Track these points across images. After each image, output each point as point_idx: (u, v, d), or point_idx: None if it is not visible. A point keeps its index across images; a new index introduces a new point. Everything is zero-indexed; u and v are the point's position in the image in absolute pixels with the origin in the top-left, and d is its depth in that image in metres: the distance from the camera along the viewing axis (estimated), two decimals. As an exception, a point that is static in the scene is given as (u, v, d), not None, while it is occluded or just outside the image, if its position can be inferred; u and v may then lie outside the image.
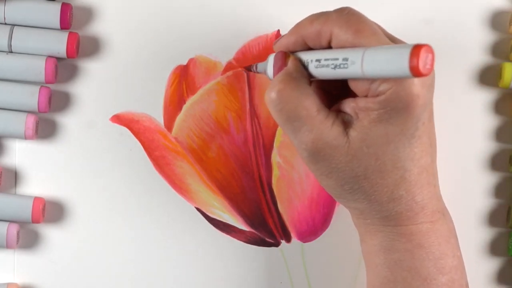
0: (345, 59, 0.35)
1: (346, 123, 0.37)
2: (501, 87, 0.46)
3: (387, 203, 0.36)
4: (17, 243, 0.45)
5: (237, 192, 0.46)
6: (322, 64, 0.36)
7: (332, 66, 0.35)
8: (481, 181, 0.46)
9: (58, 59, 0.45)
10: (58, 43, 0.44)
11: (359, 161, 0.36)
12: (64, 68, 0.46)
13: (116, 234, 0.46)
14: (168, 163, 0.46)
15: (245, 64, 0.46)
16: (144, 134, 0.46)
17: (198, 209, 0.46)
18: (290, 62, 0.38)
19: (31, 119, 0.44)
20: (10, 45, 0.44)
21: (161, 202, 0.46)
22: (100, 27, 0.46)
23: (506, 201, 0.46)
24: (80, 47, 0.46)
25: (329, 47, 0.37)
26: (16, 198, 0.45)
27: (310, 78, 0.37)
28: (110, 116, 0.46)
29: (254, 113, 0.46)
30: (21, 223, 0.45)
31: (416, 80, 0.34)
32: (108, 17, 0.46)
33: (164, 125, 0.46)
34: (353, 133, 0.36)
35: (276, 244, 0.46)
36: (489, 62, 0.47)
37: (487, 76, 0.47)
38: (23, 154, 0.46)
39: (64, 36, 0.44)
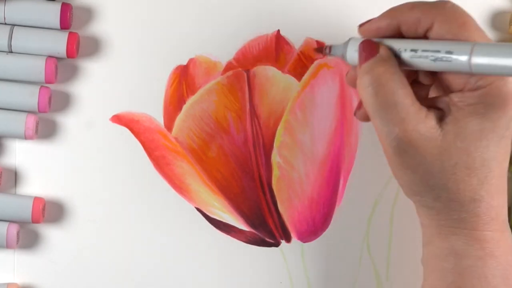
0: (449, 52, 0.34)
1: (438, 118, 0.36)
2: None
3: (469, 203, 0.36)
4: (17, 243, 0.45)
5: (237, 192, 0.46)
6: (420, 55, 0.36)
7: (432, 58, 0.35)
8: None
9: (58, 59, 0.45)
10: (58, 43, 0.44)
11: (450, 155, 0.35)
12: (64, 68, 0.46)
13: (116, 234, 0.46)
14: (168, 163, 0.46)
15: (245, 64, 0.46)
16: (144, 134, 0.46)
17: (198, 209, 0.46)
18: (383, 49, 0.37)
19: (31, 119, 0.44)
20: (10, 45, 0.44)
21: (161, 202, 0.46)
22: (100, 27, 0.46)
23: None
24: (80, 47, 0.45)
25: (424, 37, 0.37)
26: (16, 198, 0.45)
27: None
28: (110, 116, 0.46)
29: (254, 113, 0.45)
30: (21, 223, 0.45)
31: None
32: (108, 17, 0.46)
33: (164, 125, 0.46)
34: (447, 126, 0.35)
35: (276, 244, 0.46)
36: None
37: None
38: (23, 154, 0.46)
39: (64, 36, 0.44)
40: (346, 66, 0.45)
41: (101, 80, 0.46)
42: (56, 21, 0.44)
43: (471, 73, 0.34)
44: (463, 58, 0.33)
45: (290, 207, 0.46)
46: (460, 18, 0.35)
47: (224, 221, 0.46)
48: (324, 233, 0.46)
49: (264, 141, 0.45)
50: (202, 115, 0.45)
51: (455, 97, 0.36)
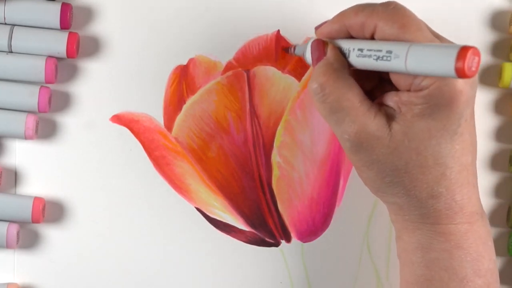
0: (389, 52, 0.35)
1: (389, 116, 0.37)
2: (501, 87, 0.46)
3: (427, 200, 0.36)
4: (17, 243, 0.45)
5: (237, 192, 0.46)
6: (364, 54, 0.36)
7: (375, 57, 0.35)
8: (481, 181, 0.45)
9: (58, 59, 0.45)
10: (58, 43, 0.44)
11: (400, 154, 0.36)
12: (64, 68, 0.45)
13: (116, 234, 0.46)
14: (168, 163, 0.46)
15: (245, 64, 0.46)
16: (144, 134, 0.46)
17: (198, 209, 0.46)
18: (330, 51, 0.38)
19: (31, 119, 0.44)
20: (10, 45, 0.44)
21: (161, 202, 0.46)
22: (100, 27, 0.46)
23: (506, 201, 0.46)
24: (80, 47, 0.45)
25: (371, 39, 0.37)
26: (16, 198, 0.45)
27: (349, 68, 0.37)
28: (110, 116, 0.46)
29: (254, 113, 0.45)
30: (21, 223, 0.45)
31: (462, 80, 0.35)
32: (108, 17, 0.46)
33: (164, 125, 0.46)
34: (395, 126, 0.36)
35: (276, 244, 0.46)
36: (489, 62, 0.47)
37: (487, 76, 0.47)
38: (23, 154, 0.46)
39: (64, 36, 0.44)
40: None
41: (101, 80, 0.46)
42: (56, 21, 0.44)
43: (408, 73, 0.34)
44: (401, 58, 0.34)
45: (290, 207, 0.46)
46: (399, 20, 0.36)
47: (224, 221, 0.46)
48: (324, 233, 0.46)
49: (264, 141, 0.45)
50: (202, 115, 0.45)
51: (404, 97, 0.36)
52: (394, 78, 0.37)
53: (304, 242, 0.46)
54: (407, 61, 0.33)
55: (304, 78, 0.46)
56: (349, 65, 0.37)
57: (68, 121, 0.46)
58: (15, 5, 0.44)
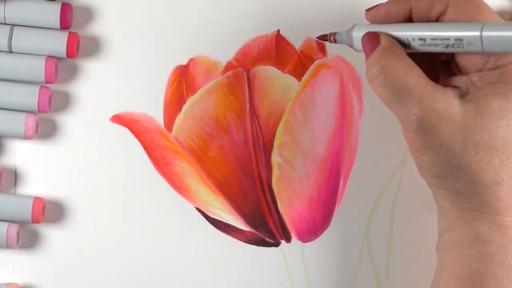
0: (459, 39, 0.34)
1: (458, 95, 0.36)
2: None
3: (491, 186, 0.35)
4: (17, 243, 0.45)
5: (237, 192, 0.46)
6: (429, 43, 0.36)
7: (443, 46, 0.35)
8: None
9: (58, 59, 0.45)
10: (58, 43, 0.44)
11: (472, 134, 0.35)
12: (64, 68, 0.46)
13: (116, 234, 0.46)
14: (168, 163, 0.46)
15: (245, 64, 0.46)
16: (144, 134, 0.46)
17: (198, 209, 0.46)
18: (383, 40, 0.37)
19: (31, 119, 0.44)
20: (10, 45, 0.44)
21: (161, 202, 0.46)
22: (100, 27, 0.46)
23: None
24: (80, 47, 0.45)
25: (435, 21, 0.36)
26: (16, 198, 0.45)
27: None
28: (110, 116, 0.46)
29: (254, 113, 0.45)
30: (21, 223, 0.45)
31: None
32: (108, 17, 0.46)
33: (164, 125, 0.46)
34: (467, 104, 0.35)
35: (276, 244, 0.46)
36: None
37: None
38: (23, 154, 0.46)
39: (64, 36, 0.44)
40: (346, 66, 0.46)
41: (101, 80, 0.46)
42: (56, 21, 0.44)
43: (484, 53, 0.33)
44: (475, 42, 0.33)
45: (290, 207, 0.46)
46: (473, 2, 0.35)
47: (224, 221, 0.46)
48: (324, 233, 0.46)
49: (264, 141, 0.45)
50: (202, 115, 0.45)
51: (474, 77, 0.35)
52: (463, 60, 0.36)
53: (304, 242, 0.46)
54: (484, 44, 0.33)
55: (304, 78, 0.45)
56: (408, 49, 0.37)
57: (68, 121, 0.46)
58: (15, 5, 0.44)
